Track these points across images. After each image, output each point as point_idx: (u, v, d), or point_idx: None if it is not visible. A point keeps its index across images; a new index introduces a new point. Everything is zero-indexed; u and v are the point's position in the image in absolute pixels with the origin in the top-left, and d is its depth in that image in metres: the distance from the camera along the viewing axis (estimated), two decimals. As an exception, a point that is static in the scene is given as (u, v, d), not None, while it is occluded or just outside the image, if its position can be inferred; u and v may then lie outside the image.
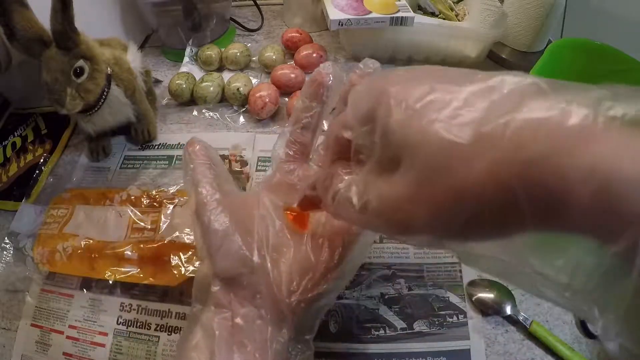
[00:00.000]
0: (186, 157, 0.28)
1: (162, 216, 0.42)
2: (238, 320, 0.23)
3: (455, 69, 0.16)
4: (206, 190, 0.26)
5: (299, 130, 0.29)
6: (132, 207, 0.43)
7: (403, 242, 0.19)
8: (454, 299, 0.37)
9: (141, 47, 0.63)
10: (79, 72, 0.38)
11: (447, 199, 0.14)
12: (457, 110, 0.14)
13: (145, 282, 0.38)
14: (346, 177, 0.19)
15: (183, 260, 0.39)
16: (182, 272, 0.38)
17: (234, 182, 0.30)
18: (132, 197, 0.44)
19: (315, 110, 0.28)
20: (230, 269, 0.24)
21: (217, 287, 0.24)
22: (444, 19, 0.61)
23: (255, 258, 0.25)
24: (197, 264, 0.38)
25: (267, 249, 0.25)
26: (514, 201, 0.12)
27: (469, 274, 0.38)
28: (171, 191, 0.44)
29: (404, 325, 0.36)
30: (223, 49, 0.59)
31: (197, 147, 0.28)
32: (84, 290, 0.39)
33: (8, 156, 0.52)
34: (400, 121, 0.15)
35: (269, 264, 0.25)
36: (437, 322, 0.36)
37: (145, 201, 0.43)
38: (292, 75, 0.53)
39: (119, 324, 0.37)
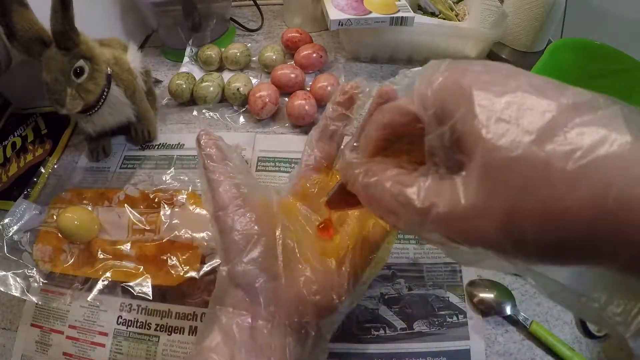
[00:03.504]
0: (200, 154, 0.26)
1: (162, 217, 0.42)
2: (258, 323, 0.23)
3: (537, 77, 0.15)
4: (226, 192, 0.25)
5: (325, 139, 0.29)
6: (130, 208, 0.43)
7: (447, 252, 0.18)
8: (453, 299, 0.37)
9: (141, 47, 0.63)
10: (79, 72, 0.38)
11: (532, 218, 0.13)
12: (560, 131, 0.13)
13: (144, 277, 0.38)
14: (389, 172, 0.18)
15: (181, 260, 0.39)
16: (181, 273, 0.38)
17: (250, 174, 0.29)
18: (132, 197, 0.44)
19: (343, 122, 0.29)
20: (250, 276, 0.23)
21: (236, 291, 0.23)
22: (444, 19, 0.61)
23: (279, 265, 0.24)
24: (212, 262, 0.39)
25: (292, 256, 0.25)
26: (608, 237, 0.12)
27: (468, 274, 0.38)
28: (170, 191, 0.44)
29: (404, 326, 0.36)
30: (223, 49, 0.59)
31: (210, 141, 0.26)
32: (84, 290, 0.39)
33: (8, 156, 0.52)
34: (488, 134, 0.14)
35: (291, 273, 0.24)
36: (437, 322, 0.36)
37: (144, 202, 0.43)
38: (292, 75, 0.53)
39: (119, 324, 0.37)
